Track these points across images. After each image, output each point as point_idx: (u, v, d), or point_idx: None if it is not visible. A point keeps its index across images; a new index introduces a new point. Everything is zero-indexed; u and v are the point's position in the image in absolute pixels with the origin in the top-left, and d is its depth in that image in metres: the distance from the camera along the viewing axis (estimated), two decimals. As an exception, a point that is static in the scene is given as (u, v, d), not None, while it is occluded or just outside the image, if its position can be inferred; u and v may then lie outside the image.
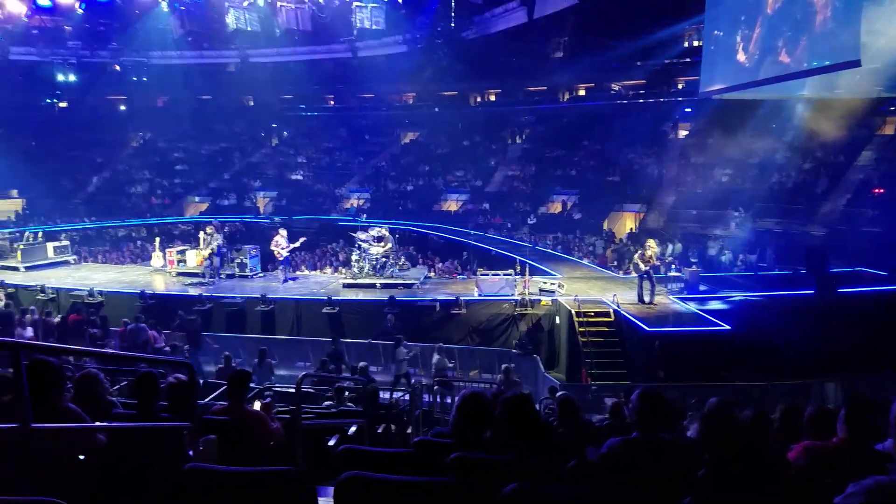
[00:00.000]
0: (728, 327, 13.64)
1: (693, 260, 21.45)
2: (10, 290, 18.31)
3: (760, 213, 23.31)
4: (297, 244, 19.36)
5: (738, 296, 16.27)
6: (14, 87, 35.69)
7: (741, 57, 19.99)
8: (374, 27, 21.99)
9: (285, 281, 19.23)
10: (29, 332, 14.13)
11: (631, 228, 27.57)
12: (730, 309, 15.16)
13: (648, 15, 28.39)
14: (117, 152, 40.58)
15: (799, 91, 21.12)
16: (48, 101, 40.37)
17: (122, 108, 43.03)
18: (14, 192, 35.88)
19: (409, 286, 18.18)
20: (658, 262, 16.55)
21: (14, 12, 22.39)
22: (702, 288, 16.85)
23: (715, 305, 15.47)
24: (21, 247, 21.47)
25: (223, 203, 34.58)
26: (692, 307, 15.39)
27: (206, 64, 36.91)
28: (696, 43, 29.90)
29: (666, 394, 4.27)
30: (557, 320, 15.95)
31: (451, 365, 14.40)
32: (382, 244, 18.63)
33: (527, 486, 2.52)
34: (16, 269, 20.66)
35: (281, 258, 19.06)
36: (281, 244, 18.74)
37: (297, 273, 21.18)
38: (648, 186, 28.54)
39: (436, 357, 14.05)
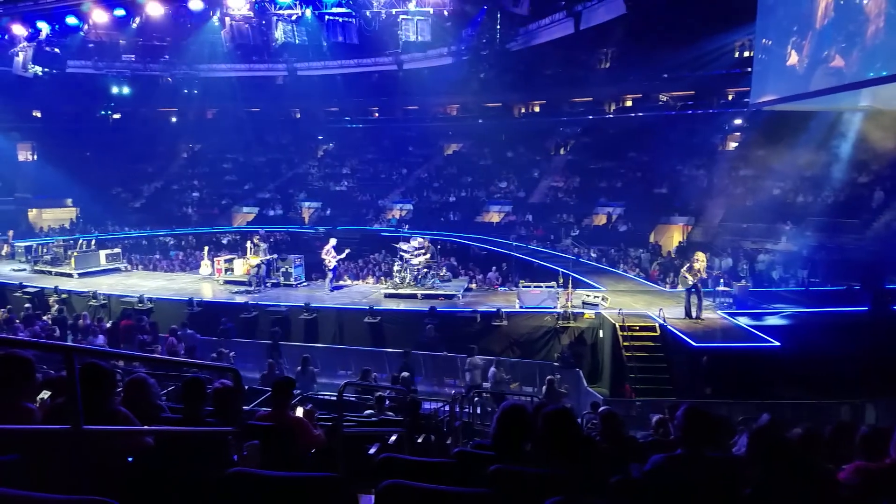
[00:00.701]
0: (777, 344, 13.28)
1: (742, 274, 21.00)
2: (64, 296, 18.91)
3: (813, 227, 22.68)
4: (343, 255, 19.69)
5: (788, 312, 15.83)
6: (71, 99, 37.15)
7: (793, 62, 19.55)
8: (419, 40, 22.14)
9: (333, 290, 19.49)
10: (101, 339, 14.38)
11: (679, 242, 27.12)
12: (780, 325, 14.77)
13: (697, 26, 28.01)
14: (168, 163, 41.83)
15: (853, 102, 20.52)
16: (103, 112, 41.78)
17: (174, 119, 44.26)
18: (69, 201, 37.22)
19: (450, 297, 18.19)
20: (706, 276, 16.22)
21: (71, 26, 23.28)
22: (751, 303, 16.46)
23: (764, 321, 15.07)
24: (75, 254, 22.17)
25: (269, 213, 35.26)
26: (741, 322, 15.04)
27: (254, 77, 37.72)
28: (746, 54, 29.38)
29: (713, 411, 4.18)
30: (601, 334, 15.74)
31: (507, 378, 14.23)
32: (424, 255, 18.72)
33: (569, 500, 2.48)
34: (69, 275, 21.32)
35: (331, 266, 19.36)
36: (332, 253, 19.08)
37: (341, 282, 21.40)
38: (696, 199, 28.04)
39: (492, 370, 13.88)
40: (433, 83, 33.79)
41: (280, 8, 21.93)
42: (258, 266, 19.50)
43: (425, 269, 18.75)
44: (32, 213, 36.57)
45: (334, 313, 17.53)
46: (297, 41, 23.55)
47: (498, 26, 26.43)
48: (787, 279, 20.88)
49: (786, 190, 25.89)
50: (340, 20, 22.09)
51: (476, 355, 14.19)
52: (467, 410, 11.75)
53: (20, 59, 26.03)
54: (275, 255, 21.03)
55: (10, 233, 27.38)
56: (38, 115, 40.34)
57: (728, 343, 13.84)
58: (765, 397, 11.78)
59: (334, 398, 6.01)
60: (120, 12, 22.11)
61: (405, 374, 12.44)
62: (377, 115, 42.80)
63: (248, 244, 20.67)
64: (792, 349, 13.10)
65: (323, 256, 19.35)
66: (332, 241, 19.57)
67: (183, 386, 4.52)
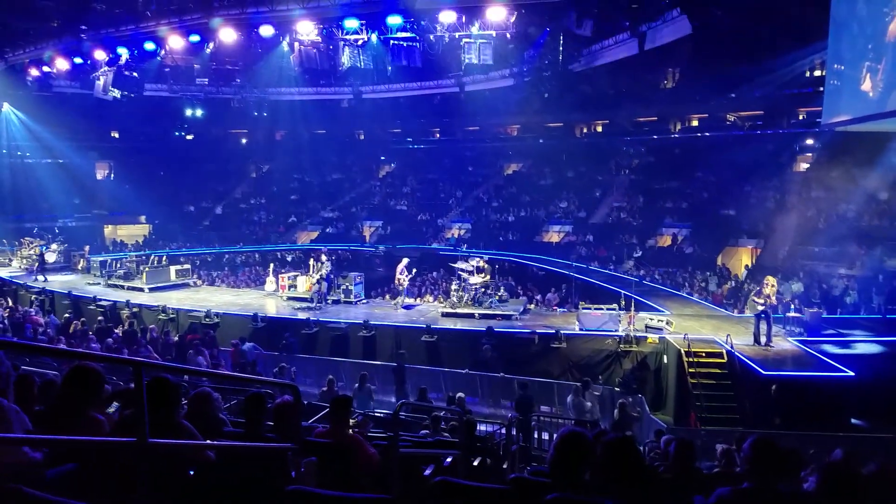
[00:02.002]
0: (852, 373, 12.66)
1: (814, 300, 20.19)
2: (135, 310, 19.62)
3: (890, 252, 21.63)
4: (412, 274, 20.01)
5: (863, 339, 15.09)
6: (147, 121, 38.91)
7: (867, 88, 18.76)
8: (482, 62, 22.29)
9: (405, 308, 19.70)
10: (202, 360, 14.42)
11: (746, 265, 26.30)
12: (854, 353, 14.10)
13: (766, 44, 27.30)
14: (238, 182, 43.26)
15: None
16: (177, 133, 43.57)
17: (244, 141, 45.89)
18: (142, 218, 38.88)
19: (507, 317, 18.06)
20: (776, 302, 15.62)
21: (149, 52, 24.49)
22: (824, 330, 15.77)
23: (838, 349, 14.41)
24: (146, 269, 22.99)
25: (332, 231, 35.94)
26: (813, 350, 14.41)
27: (321, 100, 38.73)
28: (817, 73, 28.48)
29: (782, 442, 4.00)
30: (665, 359, 15.31)
31: (588, 406, 13.63)
32: (482, 274, 18.68)
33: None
34: (141, 289, 22.12)
35: (405, 286, 19.76)
36: (405, 272, 19.37)
37: (412, 301, 21.42)
38: (766, 221, 27.19)
39: (570, 398, 13.20)
40: (494, 104, 33.96)
41: (347, 33, 22.46)
42: (318, 282, 19.86)
43: (483, 289, 18.70)
44: (108, 229, 38.32)
45: (392, 331, 17.63)
46: (362, 65, 24.04)
47: (560, 48, 26.34)
48: (861, 305, 19.96)
49: (860, 213, 24.84)
50: (405, 45, 22.44)
51: (592, 386, 13.61)
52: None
53: (101, 82, 27.41)
54: (332, 275, 21.21)
55: (87, 248, 28.65)
56: (116, 135, 42.44)
57: (799, 372, 13.27)
58: (838, 429, 11.24)
59: (390, 416, 6.02)
60: (195, 38, 23.05)
61: (459, 394, 12.30)
62: (438, 135, 43.30)
63: (312, 262, 21.09)
64: (868, 379, 12.47)
65: (398, 276, 19.61)
66: (405, 261, 19.82)
67: (245, 401, 4.62)
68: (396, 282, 19.79)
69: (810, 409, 12.17)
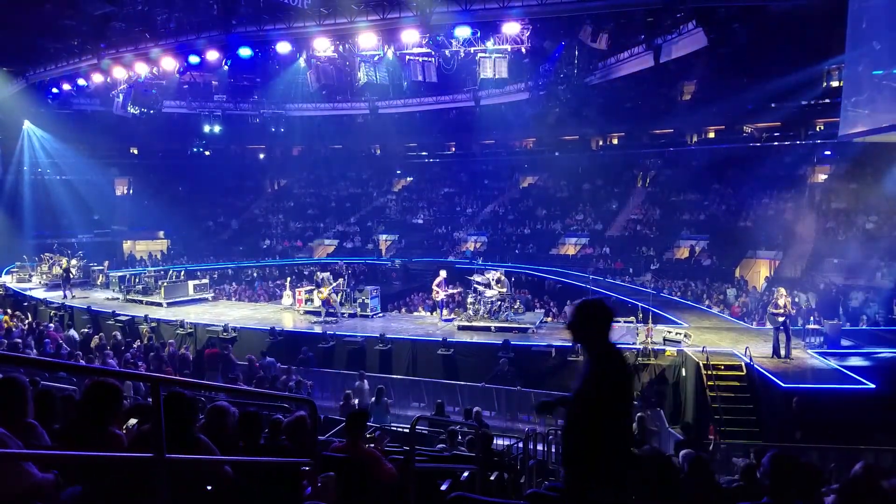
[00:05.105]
0: (873, 386, 12.49)
1: (835, 312, 19.96)
2: (153, 324, 19.76)
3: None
4: (449, 290, 20.03)
5: (884, 352, 14.87)
6: (166, 137, 39.44)
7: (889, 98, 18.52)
8: (497, 76, 22.37)
9: (446, 321, 19.66)
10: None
11: (767, 276, 26.08)
12: (875, 366, 13.90)
13: (784, 56, 27.21)
14: (256, 198, 43.66)
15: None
16: (195, 149, 44.04)
17: (262, 156, 46.37)
18: (161, 234, 39.27)
19: (524, 330, 17.98)
20: (794, 313, 15.44)
21: (168, 69, 24.79)
22: (844, 343, 15.58)
23: (858, 362, 14.23)
24: (165, 284, 23.13)
25: (349, 245, 36.10)
26: (833, 363, 14.23)
27: (338, 115, 39.06)
28: (834, 84, 28.28)
29: (803, 456, 3.97)
30: (683, 372, 15.15)
31: None
32: (498, 287, 18.64)
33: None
34: (159, 304, 22.24)
35: (439, 299, 19.81)
36: (443, 286, 19.42)
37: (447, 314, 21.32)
38: (784, 232, 26.97)
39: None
40: (510, 118, 34.07)
41: (363, 49, 22.64)
42: (324, 302, 19.81)
43: (499, 302, 18.66)
44: (127, 245, 38.68)
45: (409, 344, 17.61)
46: (378, 81, 24.20)
47: (576, 61, 26.41)
48: (882, 318, 19.70)
49: (881, 224, 24.57)
50: (421, 60, 22.58)
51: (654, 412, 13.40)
52: (542, 448, 11.51)
53: (120, 99, 27.84)
54: (348, 289, 21.19)
55: (106, 263, 28.94)
56: (135, 151, 42.92)
57: (819, 384, 13.11)
58: (860, 443, 11.06)
59: (407, 430, 6.02)
60: (213, 55, 23.30)
61: (476, 408, 12.25)
62: (454, 149, 43.46)
63: (325, 276, 21.13)
64: (888, 392, 12.29)
65: (435, 289, 19.58)
66: (443, 274, 19.82)
67: (239, 421, 4.61)
68: (434, 295, 19.82)
69: (831, 422, 11.99)
